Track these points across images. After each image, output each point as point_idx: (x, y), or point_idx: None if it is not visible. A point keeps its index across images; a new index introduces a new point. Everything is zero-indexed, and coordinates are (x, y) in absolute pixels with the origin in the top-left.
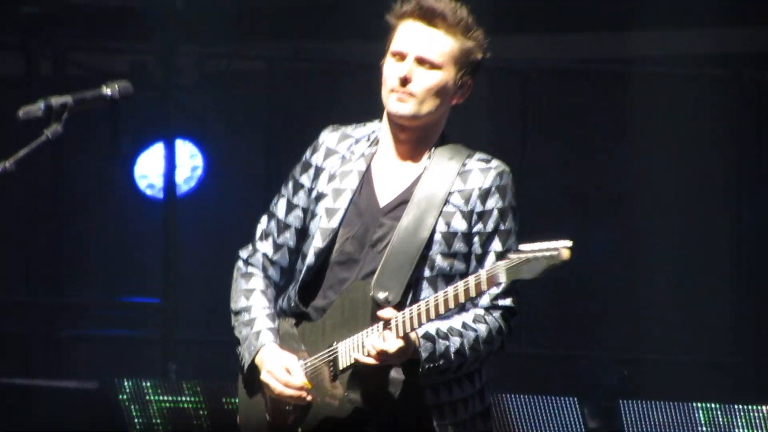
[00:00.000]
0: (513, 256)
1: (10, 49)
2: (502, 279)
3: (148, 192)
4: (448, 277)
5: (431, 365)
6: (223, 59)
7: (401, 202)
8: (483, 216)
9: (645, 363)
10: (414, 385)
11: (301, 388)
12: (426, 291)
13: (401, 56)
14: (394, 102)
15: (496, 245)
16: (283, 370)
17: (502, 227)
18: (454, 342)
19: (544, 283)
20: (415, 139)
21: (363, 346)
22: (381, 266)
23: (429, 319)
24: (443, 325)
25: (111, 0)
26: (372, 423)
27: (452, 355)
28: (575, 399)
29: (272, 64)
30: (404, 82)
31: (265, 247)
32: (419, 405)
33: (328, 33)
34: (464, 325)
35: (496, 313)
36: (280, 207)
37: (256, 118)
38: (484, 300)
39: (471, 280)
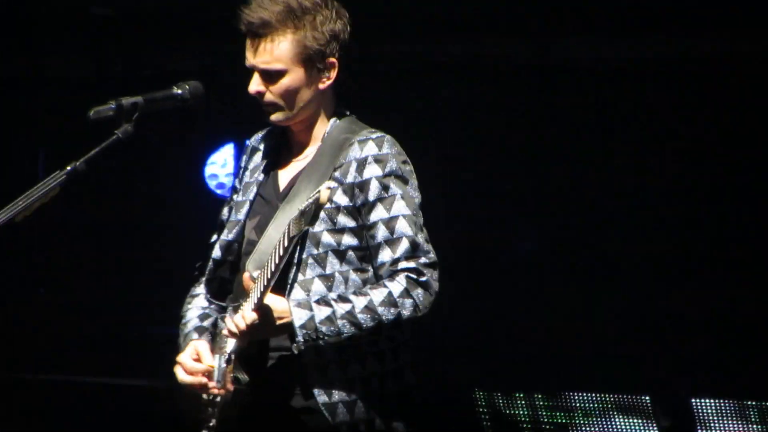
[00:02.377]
0: (300, 208)
1: (81, 50)
2: (293, 232)
3: (219, 192)
4: (339, 253)
5: (311, 333)
6: None
7: (294, 185)
8: (363, 187)
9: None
10: (296, 364)
11: (203, 371)
12: (313, 269)
13: (250, 71)
14: (267, 114)
15: (382, 213)
16: (189, 359)
17: (385, 195)
18: (340, 307)
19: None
20: (302, 129)
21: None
22: (258, 245)
23: (268, 280)
24: (331, 294)
25: (182, 1)
26: (261, 403)
27: (338, 320)
28: (647, 397)
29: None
30: (259, 96)
31: (215, 252)
32: (304, 383)
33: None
34: (356, 292)
35: (399, 276)
36: (224, 213)
37: None
38: (385, 270)
39: (280, 237)
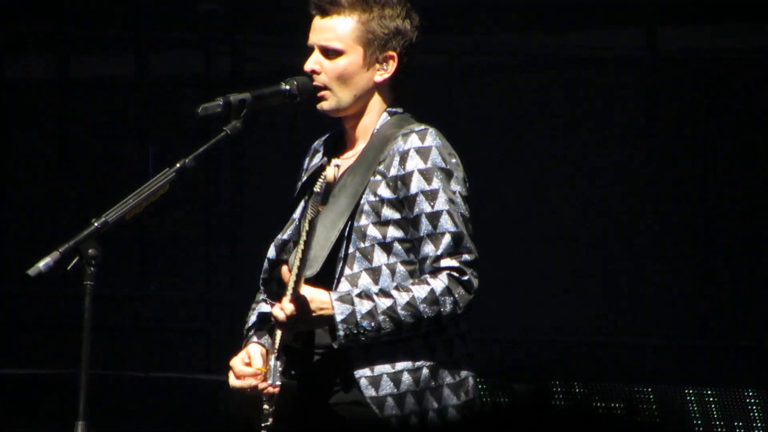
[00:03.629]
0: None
1: (189, 47)
2: (311, 215)
3: None
4: (385, 246)
5: (351, 327)
6: None
7: (340, 181)
8: (405, 180)
9: None
10: (343, 358)
11: (252, 374)
12: (360, 263)
13: (311, 49)
14: (318, 103)
15: (425, 207)
16: (239, 363)
17: (427, 188)
18: (382, 302)
19: None
20: (354, 124)
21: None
22: (311, 244)
23: (300, 272)
24: (373, 287)
25: None
26: (307, 398)
27: (379, 315)
28: (765, 392)
29: (453, 57)
30: (313, 74)
31: (269, 251)
32: (350, 377)
33: (511, 25)
34: (398, 287)
35: (442, 274)
36: (293, 210)
37: (435, 113)
38: (427, 266)
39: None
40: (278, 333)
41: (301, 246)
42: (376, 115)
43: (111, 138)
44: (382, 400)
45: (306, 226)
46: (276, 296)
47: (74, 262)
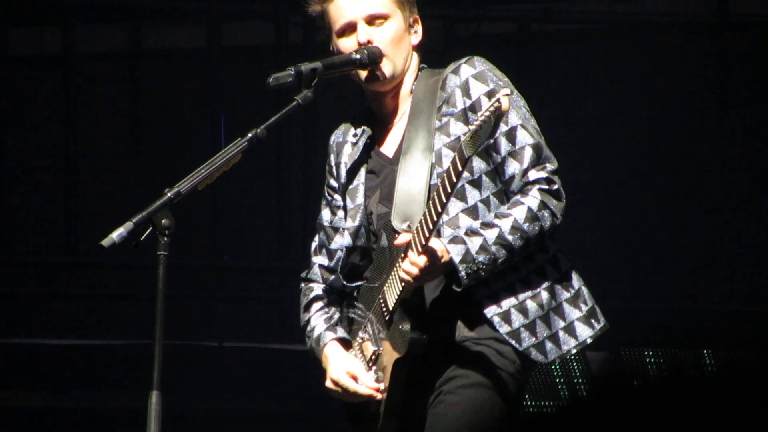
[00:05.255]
0: (470, 127)
1: (260, 17)
2: (468, 152)
3: None
4: (474, 182)
5: (470, 265)
6: (472, 21)
7: (402, 142)
8: (474, 108)
9: None
10: (466, 300)
11: (369, 395)
12: (455, 205)
13: (351, 28)
14: (369, 78)
15: (501, 127)
16: (347, 379)
17: None
18: (490, 233)
19: None
20: (395, 93)
21: (398, 278)
22: (394, 203)
23: (435, 219)
24: (475, 224)
25: None
26: (435, 351)
27: (492, 246)
28: None
29: (523, 25)
30: (368, 44)
31: (320, 259)
32: (478, 317)
33: None
34: (497, 215)
35: (533, 190)
36: (324, 216)
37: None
38: (516, 183)
39: (450, 164)
40: (382, 297)
41: (445, 193)
42: (413, 77)
43: (183, 109)
44: (517, 333)
45: (459, 165)
46: (354, 277)
47: (148, 232)
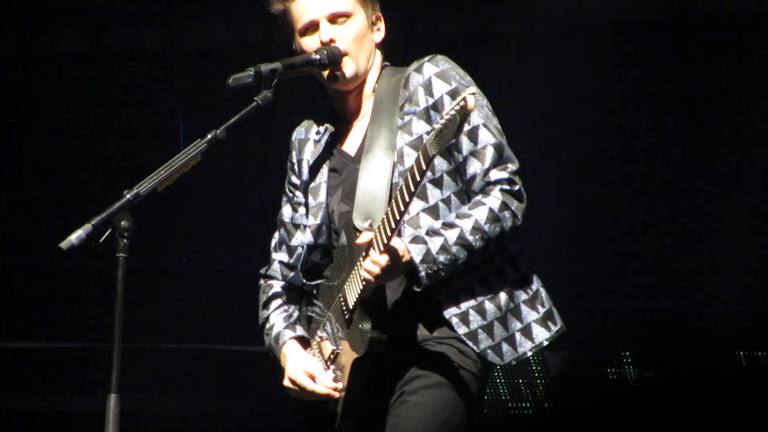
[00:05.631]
0: (435, 125)
1: (218, 17)
2: (432, 151)
3: None
4: (436, 181)
5: (431, 265)
6: (431, 22)
7: (365, 141)
8: (437, 106)
9: None
10: (425, 300)
11: (327, 394)
12: (416, 204)
13: (314, 27)
14: (332, 76)
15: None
16: (305, 378)
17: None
18: (450, 234)
19: None
20: (358, 91)
21: (359, 277)
22: (356, 202)
23: (398, 218)
24: (436, 224)
25: None
26: (395, 351)
27: (453, 246)
28: None
29: (481, 25)
30: (330, 43)
31: (280, 255)
32: (438, 318)
33: None
34: (458, 215)
35: (494, 190)
36: (285, 212)
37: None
38: (477, 183)
39: (413, 163)
40: (342, 295)
41: (407, 192)
42: (376, 75)
43: (142, 110)
44: (474, 334)
45: (422, 164)
46: (313, 276)
47: (107, 234)
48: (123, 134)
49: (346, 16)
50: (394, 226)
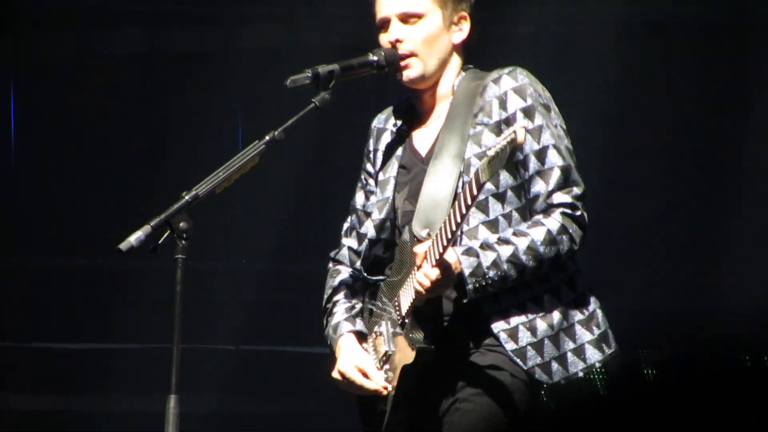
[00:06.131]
0: (488, 152)
1: (276, 20)
2: (484, 177)
3: None
4: (499, 196)
5: (480, 279)
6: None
7: (436, 143)
8: (509, 122)
9: None
10: (475, 313)
11: (376, 390)
12: (476, 216)
13: (387, 23)
14: (400, 73)
15: (532, 144)
16: (356, 373)
17: (530, 126)
18: (504, 250)
19: None
20: (433, 91)
21: (413, 286)
22: (418, 206)
23: (452, 234)
24: (492, 238)
25: None
26: (442, 361)
27: (504, 263)
28: None
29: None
30: (396, 43)
31: (350, 241)
32: (488, 334)
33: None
34: (515, 233)
35: (555, 213)
36: (358, 199)
37: None
38: (540, 204)
39: (466, 185)
40: (398, 299)
41: (461, 211)
42: (453, 77)
43: (201, 112)
44: (523, 351)
45: (474, 189)
46: (372, 272)
47: (166, 235)
48: (183, 135)
49: (418, 16)
50: (447, 241)
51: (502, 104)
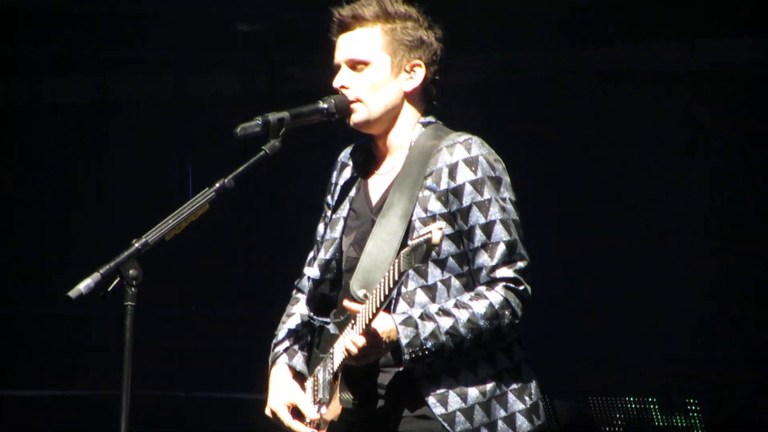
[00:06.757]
0: (411, 242)
1: (226, 66)
2: (403, 267)
3: None
4: (439, 262)
5: (416, 350)
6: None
7: (386, 198)
8: (457, 192)
9: None
10: (407, 377)
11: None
12: (416, 281)
13: (338, 68)
14: (348, 116)
15: (478, 218)
16: (285, 412)
17: (479, 199)
18: (444, 322)
19: None
20: (386, 140)
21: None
22: (359, 264)
23: (380, 304)
24: (433, 308)
25: (326, 15)
26: (370, 422)
27: (443, 335)
28: None
29: (489, 74)
30: (342, 89)
31: (310, 271)
32: (415, 397)
33: (543, 41)
34: (457, 304)
35: (498, 286)
36: (319, 230)
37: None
38: (482, 276)
39: (391, 267)
40: (333, 352)
41: (385, 291)
42: (409, 127)
43: (150, 159)
44: (452, 416)
45: (395, 275)
46: (320, 312)
47: (115, 283)
48: (132, 183)
49: (365, 63)
50: (376, 310)
51: (452, 174)
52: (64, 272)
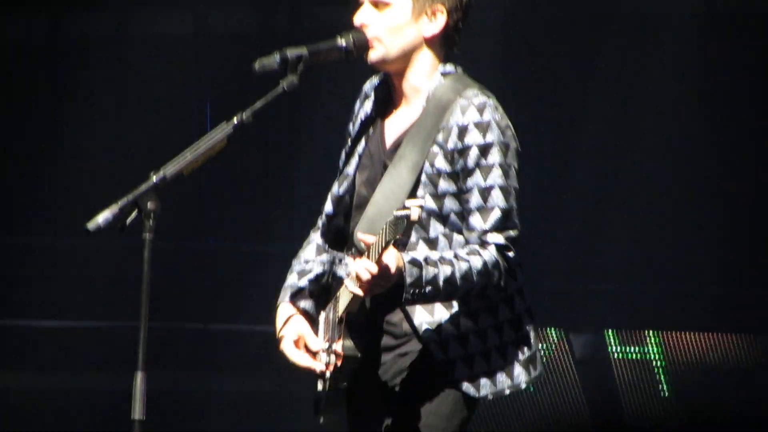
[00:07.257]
0: (395, 212)
1: (244, 3)
2: (389, 236)
3: None
4: (441, 217)
5: (416, 290)
6: None
7: (400, 143)
8: (463, 153)
9: None
10: (409, 323)
11: (309, 368)
12: (418, 232)
13: (360, 4)
14: (367, 53)
15: (478, 180)
16: (293, 350)
17: (483, 162)
18: (444, 270)
19: None
20: (403, 81)
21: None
22: (365, 212)
23: (387, 242)
24: (434, 254)
25: None
26: (368, 368)
27: (441, 282)
28: None
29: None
30: (362, 27)
31: (327, 206)
32: (412, 326)
33: None
34: (456, 256)
35: (491, 247)
36: (341, 161)
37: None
38: (474, 237)
39: (381, 231)
40: (342, 299)
41: (378, 251)
42: (428, 74)
43: (169, 94)
44: (452, 363)
45: (383, 242)
46: (335, 245)
47: (133, 215)
48: (151, 118)
49: (386, 4)
50: (384, 245)
51: (461, 135)
52: (83, 204)
